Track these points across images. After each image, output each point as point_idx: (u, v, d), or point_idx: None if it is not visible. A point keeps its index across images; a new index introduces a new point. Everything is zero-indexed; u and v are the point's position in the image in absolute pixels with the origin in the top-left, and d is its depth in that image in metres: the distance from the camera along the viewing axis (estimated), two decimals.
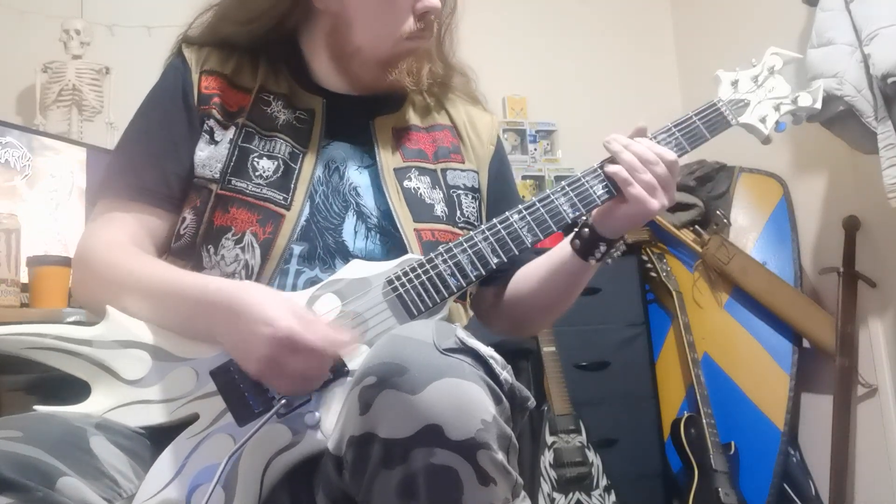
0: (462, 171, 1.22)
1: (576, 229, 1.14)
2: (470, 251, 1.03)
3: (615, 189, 1.07)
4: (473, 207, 1.20)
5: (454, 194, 1.18)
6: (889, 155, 2.11)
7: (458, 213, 1.17)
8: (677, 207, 2.73)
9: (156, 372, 0.95)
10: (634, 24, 3.40)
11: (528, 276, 1.23)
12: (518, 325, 1.28)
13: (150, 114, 1.16)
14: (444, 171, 1.19)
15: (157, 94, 1.17)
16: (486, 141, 1.27)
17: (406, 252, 1.07)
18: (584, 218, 1.12)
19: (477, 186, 1.22)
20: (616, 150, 1.08)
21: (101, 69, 2.38)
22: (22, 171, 1.90)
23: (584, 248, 1.12)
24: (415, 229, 1.10)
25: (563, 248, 1.17)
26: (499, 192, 1.26)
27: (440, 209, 1.15)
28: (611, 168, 1.07)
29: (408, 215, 1.11)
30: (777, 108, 1.17)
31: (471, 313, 1.19)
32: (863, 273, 2.45)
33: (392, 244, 1.10)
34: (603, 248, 1.12)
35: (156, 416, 0.93)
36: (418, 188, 1.15)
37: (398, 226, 1.09)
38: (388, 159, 1.15)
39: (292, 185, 1.09)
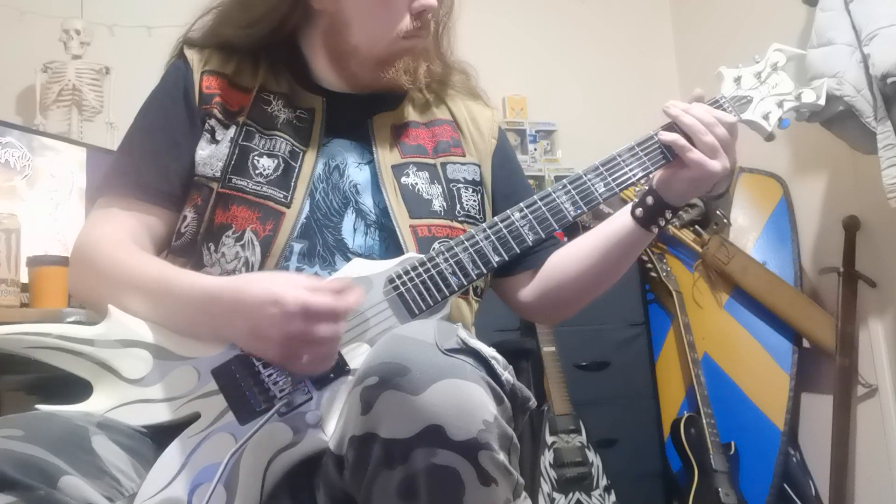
0: (462, 164, 1.22)
1: (636, 199, 1.15)
2: (471, 249, 1.03)
3: (671, 156, 1.09)
4: (475, 201, 1.20)
5: (454, 188, 1.19)
6: (888, 155, 2.11)
7: (458, 206, 1.17)
8: None
9: (157, 371, 0.95)
10: (634, 24, 3.40)
11: (575, 255, 1.22)
12: (562, 308, 1.27)
13: (152, 113, 1.16)
14: (443, 165, 1.20)
15: (159, 93, 1.18)
16: (487, 134, 1.27)
17: (402, 248, 1.07)
18: (644, 187, 1.13)
19: (479, 179, 1.22)
20: (676, 115, 1.10)
21: (101, 69, 2.37)
22: (22, 171, 1.90)
23: (649, 217, 1.13)
24: (410, 226, 1.10)
25: (618, 222, 1.17)
26: (506, 187, 1.26)
27: (438, 204, 1.15)
28: (666, 136, 1.09)
29: (404, 212, 1.11)
30: (780, 105, 1.16)
31: (475, 307, 1.19)
32: (863, 273, 2.45)
33: (390, 241, 1.10)
34: (669, 214, 1.13)
35: (157, 415, 0.93)
36: (416, 184, 1.15)
37: (394, 222, 1.10)
38: (386, 156, 1.15)
39: (292, 183, 1.09)
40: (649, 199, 1.13)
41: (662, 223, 1.14)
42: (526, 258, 1.21)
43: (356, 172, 1.14)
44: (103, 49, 2.48)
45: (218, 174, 1.09)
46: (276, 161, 1.10)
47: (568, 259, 1.22)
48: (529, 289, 1.25)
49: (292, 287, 0.88)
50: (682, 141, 1.08)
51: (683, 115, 1.09)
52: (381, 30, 1.12)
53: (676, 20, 3.46)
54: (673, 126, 1.11)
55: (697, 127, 1.08)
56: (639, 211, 1.14)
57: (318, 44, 1.19)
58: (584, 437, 2.41)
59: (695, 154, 1.07)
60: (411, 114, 1.23)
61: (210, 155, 1.11)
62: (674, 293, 2.70)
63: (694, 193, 1.12)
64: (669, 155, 1.10)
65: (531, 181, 2.95)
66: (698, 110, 1.09)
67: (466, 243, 1.03)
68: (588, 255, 1.20)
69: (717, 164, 1.08)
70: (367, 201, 1.13)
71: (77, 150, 2.05)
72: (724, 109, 1.13)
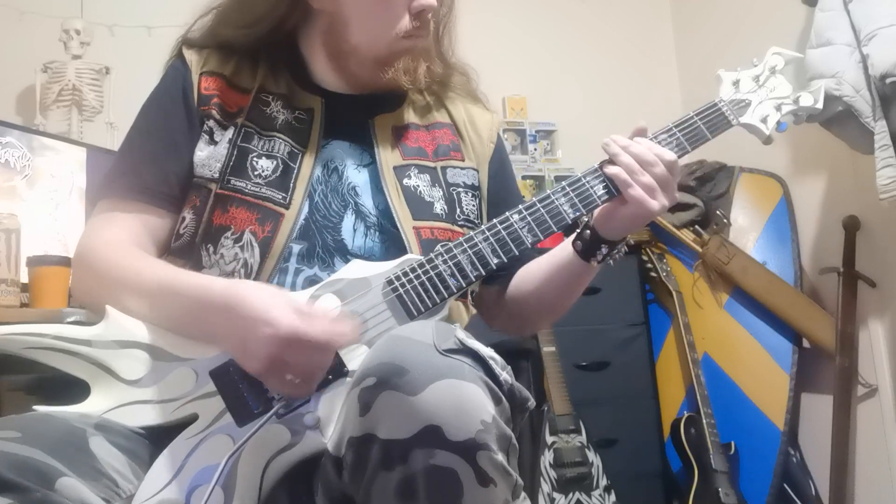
0: (462, 168, 1.22)
1: (577, 231, 1.14)
2: (470, 251, 1.02)
3: (616, 190, 1.07)
4: (473, 205, 1.20)
5: (454, 192, 1.18)
6: (883, 155, 2.11)
7: (458, 210, 1.17)
8: (677, 207, 2.73)
9: (155, 372, 0.95)
10: (634, 24, 3.40)
11: (530, 275, 1.22)
12: (520, 324, 1.28)
13: (151, 114, 1.16)
14: (443, 168, 1.19)
15: (158, 95, 1.18)
16: (486, 139, 1.27)
17: (405, 250, 1.07)
18: (585, 219, 1.11)
19: (477, 184, 1.22)
20: (615, 153, 1.07)
21: (101, 69, 2.37)
22: (22, 171, 1.90)
23: (586, 250, 1.12)
24: (414, 227, 1.10)
25: (564, 249, 1.16)
26: (499, 192, 1.26)
27: (440, 207, 1.15)
28: (610, 169, 1.07)
29: (407, 213, 1.11)
30: (778, 108, 1.16)
31: (472, 311, 1.19)
32: (863, 273, 2.45)
33: (391, 242, 1.10)
34: (605, 249, 1.11)
35: (155, 416, 0.93)
36: (418, 186, 1.15)
37: (397, 224, 1.09)
38: (388, 157, 1.15)
39: (291, 185, 1.09)
40: (587, 233, 1.12)
41: (600, 258, 1.12)
42: (502, 273, 1.21)
43: (355, 174, 1.14)
44: (103, 49, 2.48)
45: (216, 175, 1.09)
46: (274, 162, 1.10)
47: (525, 278, 1.24)
48: (496, 301, 1.27)
49: (287, 311, 0.87)
50: (623, 175, 1.05)
51: (622, 153, 1.06)
52: (381, 29, 1.12)
53: (676, 20, 3.46)
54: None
55: (634, 167, 1.05)
56: (578, 244, 1.13)
57: (317, 44, 1.18)
58: (584, 437, 2.41)
59: (635, 191, 1.05)
60: (411, 116, 1.23)
61: (208, 156, 1.11)
62: (674, 293, 2.70)
63: (629, 230, 1.10)
64: (613, 189, 1.07)
65: (531, 181, 2.97)
66: (637, 148, 1.06)
67: (465, 245, 1.03)
68: (538, 279, 1.21)
69: (655, 204, 1.05)
70: (367, 202, 1.12)
71: (77, 150, 2.05)
72: (666, 145, 1.10)
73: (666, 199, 1.06)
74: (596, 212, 1.10)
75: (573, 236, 1.15)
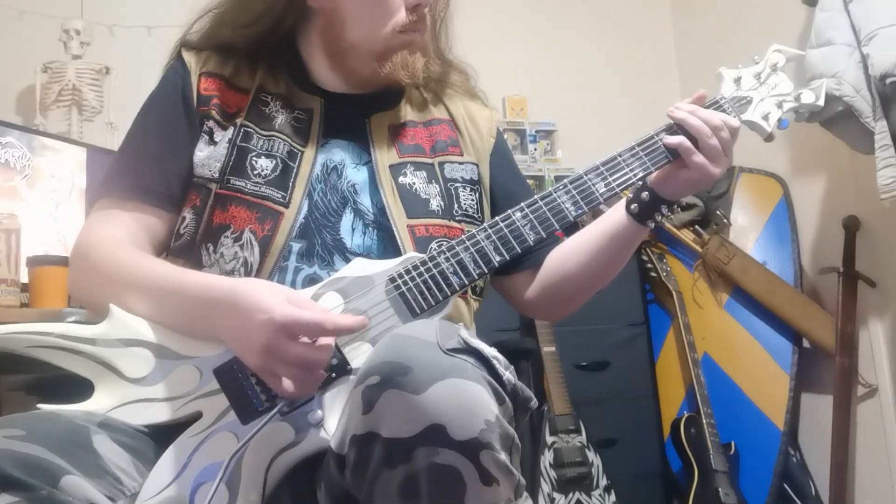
0: (460, 163, 1.22)
1: (630, 194, 1.16)
2: (472, 249, 1.03)
3: (672, 157, 1.10)
4: (473, 200, 1.20)
5: (452, 187, 1.19)
6: (884, 156, 2.11)
7: (456, 206, 1.18)
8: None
9: (159, 370, 0.95)
10: (634, 24, 3.40)
11: (572, 252, 1.22)
12: (564, 304, 1.27)
13: (150, 115, 1.17)
14: (441, 164, 1.20)
15: (157, 96, 1.18)
16: (485, 134, 1.28)
17: (399, 248, 1.07)
18: (640, 182, 1.13)
19: (477, 179, 1.23)
20: (682, 118, 1.10)
21: (101, 69, 2.37)
22: (22, 171, 1.90)
23: (644, 212, 1.14)
24: (408, 225, 1.11)
25: (613, 218, 1.17)
26: (507, 186, 1.26)
27: (436, 204, 1.15)
28: (671, 140, 1.09)
29: (401, 212, 1.11)
30: (780, 106, 1.17)
31: (474, 307, 1.19)
32: (863, 273, 2.45)
33: (389, 241, 1.10)
34: (665, 209, 1.13)
35: (159, 414, 0.93)
36: (413, 184, 1.15)
37: (391, 222, 1.10)
38: (384, 156, 1.15)
39: (290, 184, 1.09)
40: (644, 195, 1.13)
41: (658, 218, 1.14)
42: (526, 257, 1.21)
43: (354, 173, 1.14)
44: (103, 49, 2.48)
45: (216, 175, 1.10)
46: (274, 161, 1.11)
47: (567, 256, 1.23)
48: (531, 287, 1.26)
49: (282, 300, 0.88)
50: (687, 143, 1.08)
51: (690, 117, 1.09)
52: (378, 25, 1.12)
53: (676, 20, 3.46)
54: (673, 128, 1.11)
55: (704, 130, 1.08)
56: (634, 206, 1.14)
57: (315, 43, 1.19)
58: (584, 437, 2.41)
59: (699, 157, 1.08)
60: (409, 113, 1.24)
61: (208, 156, 1.11)
62: (674, 293, 2.70)
63: (690, 192, 1.14)
64: (671, 156, 1.10)
65: (531, 181, 2.97)
66: (705, 113, 1.10)
67: (468, 243, 1.03)
68: (585, 252, 1.20)
69: (717, 169, 1.09)
70: (366, 201, 1.13)
71: (77, 150, 2.05)
72: (726, 112, 1.14)
73: (726, 164, 1.10)
74: (653, 175, 1.12)
75: (625, 200, 1.16)
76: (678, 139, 1.09)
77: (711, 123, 1.08)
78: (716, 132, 1.08)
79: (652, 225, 1.15)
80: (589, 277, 1.22)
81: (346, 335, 0.94)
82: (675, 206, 1.15)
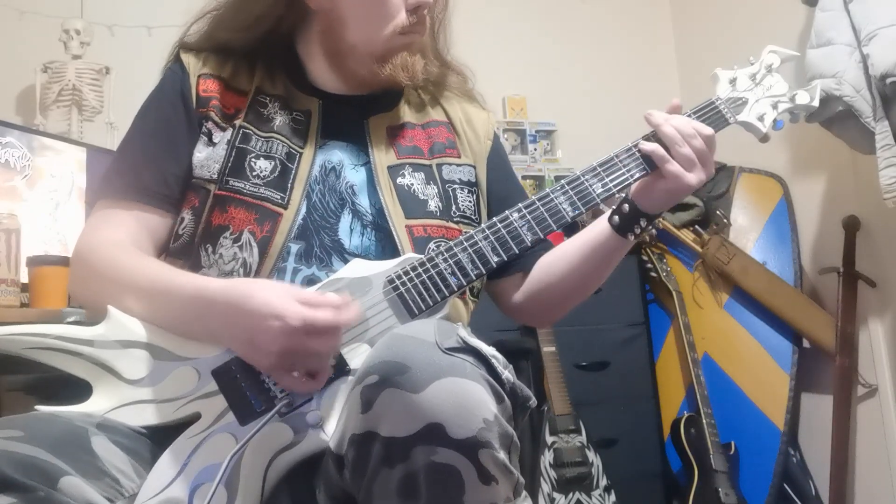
0: (458, 165, 1.22)
1: (613, 207, 1.16)
2: (470, 250, 1.03)
3: (650, 166, 1.09)
4: (470, 201, 1.21)
5: (449, 189, 1.19)
6: (886, 155, 2.11)
7: (454, 207, 1.18)
8: (677, 207, 2.73)
9: (157, 371, 0.95)
10: (634, 25, 3.40)
11: (558, 259, 1.22)
12: (549, 311, 1.28)
13: (149, 116, 1.17)
14: (439, 166, 1.20)
15: (156, 97, 1.19)
16: (482, 136, 1.28)
17: (398, 249, 1.07)
18: (620, 196, 1.13)
19: (474, 181, 1.23)
20: (657, 123, 1.09)
21: (101, 69, 2.37)
22: (22, 171, 1.90)
23: (624, 224, 1.14)
24: (406, 226, 1.11)
25: (596, 229, 1.17)
26: (501, 189, 1.26)
27: (434, 205, 1.15)
28: (646, 146, 1.09)
29: (399, 212, 1.11)
30: (775, 106, 1.17)
31: (471, 307, 1.19)
32: (863, 273, 2.45)
33: (387, 241, 1.11)
34: (644, 223, 1.13)
35: (157, 415, 0.93)
36: (412, 185, 1.15)
37: (390, 223, 1.10)
38: (382, 157, 1.15)
39: (289, 185, 1.10)
40: (625, 207, 1.13)
41: (638, 231, 1.14)
42: (517, 261, 1.21)
43: (352, 174, 1.14)
44: (103, 49, 2.48)
45: (215, 176, 1.10)
46: (272, 163, 1.11)
47: (553, 263, 1.23)
48: (519, 291, 1.26)
49: (293, 302, 0.89)
50: (661, 151, 1.08)
51: (664, 124, 1.09)
52: (378, 26, 1.12)
53: (676, 20, 3.46)
54: (652, 136, 1.11)
55: (676, 138, 1.08)
56: (615, 219, 1.15)
57: (314, 44, 1.19)
58: (584, 437, 2.41)
59: (672, 166, 1.07)
60: (407, 115, 1.24)
61: (207, 157, 1.11)
62: (674, 293, 2.70)
63: (669, 204, 1.13)
64: (648, 166, 1.10)
65: (531, 181, 2.97)
66: (677, 121, 1.09)
67: (466, 244, 1.03)
68: (569, 261, 1.21)
69: (692, 178, 1.08)
70: (364, 202, 1.13)
71: (77, 150, 2.05)
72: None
73: (703, 173, 1.09)
74: (633, 187, 1.12)
75: (608, 213, 1.16)
76: (652, 146, 1.09)
77: (683, 132, 1.08)
78: (688, 140, 1.08)
79: (632, 238, 1.15)
80: (572, 286, 1.22)
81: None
82: (656, 220, 1.15)
